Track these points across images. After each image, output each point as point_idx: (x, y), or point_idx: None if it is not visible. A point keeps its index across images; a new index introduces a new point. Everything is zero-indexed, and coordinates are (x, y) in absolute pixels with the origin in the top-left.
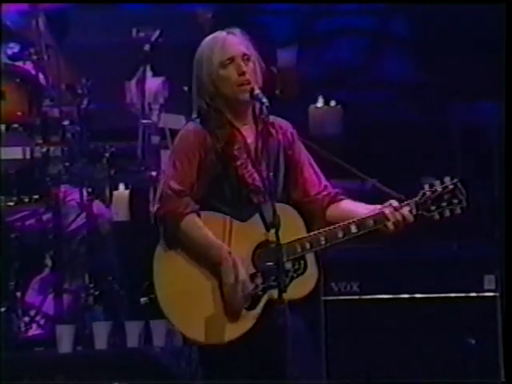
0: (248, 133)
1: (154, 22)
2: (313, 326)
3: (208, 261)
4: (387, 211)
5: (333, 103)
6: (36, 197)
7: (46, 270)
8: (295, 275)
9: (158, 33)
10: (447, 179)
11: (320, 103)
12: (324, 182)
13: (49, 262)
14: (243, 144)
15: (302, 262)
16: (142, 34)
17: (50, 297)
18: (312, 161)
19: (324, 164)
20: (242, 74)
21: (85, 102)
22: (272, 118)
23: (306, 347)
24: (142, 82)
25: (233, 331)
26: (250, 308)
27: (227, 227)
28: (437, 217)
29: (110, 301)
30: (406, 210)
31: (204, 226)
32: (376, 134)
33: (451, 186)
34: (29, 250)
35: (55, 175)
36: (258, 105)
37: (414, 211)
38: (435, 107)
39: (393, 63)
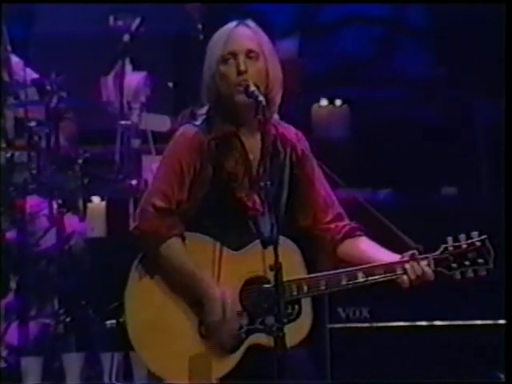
0: (252, 147)
1: (134, 8)
2: (317, 357)
3: (188, 291)
4: (406, 264)
5: (339, 102)
6: None
7: (10, 294)
8: (286, 321)
9: (138, 21)
10: (475, 234)
11: (324, 102)
12: (338, 208)
13: (13, 284)
14: (245, 161)
15: (297, 306)
16: (120, 23)
17: (14, 325)
18: (325, 183)
19: (331, 172)
20: (241, 73)
21: (54, 99)
22: (283, 126)
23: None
24: (120, 78)
25: (206, 374)
26: (230, 351)
27: (216, 255)
28: (458, 276)
29: (83, 329)
30: (423, 265)
31: (187, 254)
32: (387, 136)
33: (478, 243)
34: None
35: (20, 184)
36: (260, 110)
37: (433, 267)
38: (454, 105)
39: (406, 57)
